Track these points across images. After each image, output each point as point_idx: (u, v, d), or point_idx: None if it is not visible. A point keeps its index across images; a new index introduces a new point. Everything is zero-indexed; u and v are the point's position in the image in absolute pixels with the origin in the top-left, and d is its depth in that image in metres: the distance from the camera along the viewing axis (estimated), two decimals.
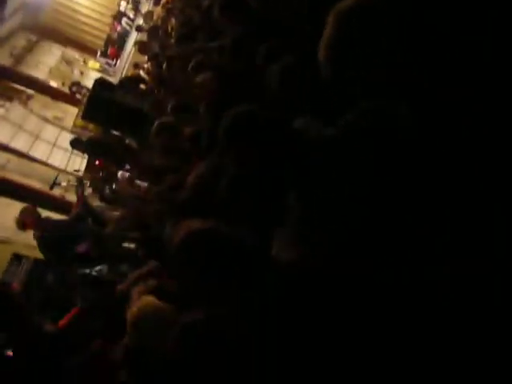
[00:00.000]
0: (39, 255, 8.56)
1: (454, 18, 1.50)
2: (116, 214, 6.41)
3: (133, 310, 2.51)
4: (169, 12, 10.03)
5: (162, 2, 12.43)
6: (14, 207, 10.45)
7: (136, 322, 2.45)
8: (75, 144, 7.43)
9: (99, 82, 7.62)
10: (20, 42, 20.58)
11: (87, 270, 5.39)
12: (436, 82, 1.53)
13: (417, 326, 1.48)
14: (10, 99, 15.71)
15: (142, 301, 2.59)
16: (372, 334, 1.55)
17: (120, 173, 7.34)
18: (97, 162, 8.95)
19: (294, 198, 1.84)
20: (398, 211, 1.55)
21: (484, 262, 1.43)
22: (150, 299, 2.57)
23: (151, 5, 14.52)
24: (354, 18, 1.50)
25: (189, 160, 3.57)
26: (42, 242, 5.80)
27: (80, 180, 7.44)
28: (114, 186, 7.62)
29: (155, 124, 4.21)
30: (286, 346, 1.70)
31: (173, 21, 9.04)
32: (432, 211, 1.52)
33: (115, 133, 8.01)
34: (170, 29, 8.88)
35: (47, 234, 5.68)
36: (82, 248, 5.49)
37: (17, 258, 8.50)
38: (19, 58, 19.55)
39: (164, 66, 6.27)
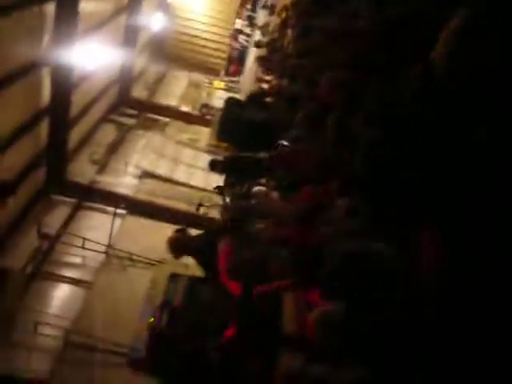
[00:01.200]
0: (195, 273, 9.13)
1: None
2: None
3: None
4: (285, 23, 10.18)
5: (276, 11, 12.62)
6: (165, 230, 11.27)
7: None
8: (213, 166, 7.78)
9: (228, 102, 7.97)
10: (151, 75, 22.11)
11: None
12: None
13: None
14: (149, 129, 16.95)
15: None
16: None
17: (256, 188, 7.56)
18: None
19: None
20: None
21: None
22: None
23: (266, 16, 14.82)
24: None
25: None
26: (198, 258, 6.04)
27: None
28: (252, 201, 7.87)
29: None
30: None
31: (289, 32, 9.16)
32: None
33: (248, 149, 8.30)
34: (287, 40, 9.00)
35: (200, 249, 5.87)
36: None
37: (174, 277, 9.02)
38: (152, 90, 21.02)
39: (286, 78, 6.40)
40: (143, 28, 18.24)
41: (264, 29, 14.66)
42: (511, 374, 1.54)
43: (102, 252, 10.87)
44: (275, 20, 12.69)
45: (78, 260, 10.78)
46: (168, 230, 10.59)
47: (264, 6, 15.37)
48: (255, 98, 8.23)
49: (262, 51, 11.71)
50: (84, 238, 10.67)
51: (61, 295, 10.07)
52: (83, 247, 10.69)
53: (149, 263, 10.64)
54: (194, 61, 23.88)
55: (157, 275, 9.76)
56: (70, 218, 11.83)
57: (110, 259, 10.87)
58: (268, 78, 10.15)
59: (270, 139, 6.47)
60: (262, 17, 16.71)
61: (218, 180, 13.36)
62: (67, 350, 9.00)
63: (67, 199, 12.24)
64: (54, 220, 11.31)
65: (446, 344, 1.73)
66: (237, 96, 16.22)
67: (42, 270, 10.27)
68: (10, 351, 8.67)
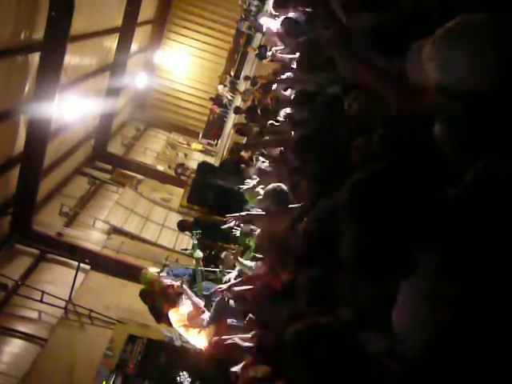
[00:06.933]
0: (153, 335, 8.88)
1: None
2: None
3: None
4: (265, 90, 10.38)
5: (259, 80, 12.94)
6: (129, 288, 11.02)
7: None
8: (182, 227, 7.76)
9: (201, 167, 8.04)
10: (130, 131, 22.29)
11: None
12: None
13: None
14: (122, 185, 16.87)
15: None
16: None
17: (225, 252, 7.53)
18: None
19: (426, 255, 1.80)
20: None
21: None
22: None
23: (248, 84, 15.18)
24: None
25: None
26: None
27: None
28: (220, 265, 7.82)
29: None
30: None
31: (269, 100, 9.33)
32: None
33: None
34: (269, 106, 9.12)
35: None
36: None
37: (132, 338, 8.78)
38: (129, 146, 21.14)
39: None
40: (127, 85, 18.52)
41: (245, 95, 14.99)
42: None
43: (61, 307, 10.51)
44: (257, 88, 13.00)
45: (34, 314, 10.38)
46: (131, 288, 10.43)
47: (246, 77, 15.78)
48: (229, 163, 8.31)
49: (241, 118, 11.92)
50: (43, 292, 10.32)
51: (11, 351, 9.61)
52: (41, 301, 10.32)
53: (109, 322, 10.31)
54: (173, 121, 24.24)
55: (116, 335, 9.46)
56: (31, 269, 11.50)
57: (69, 315, 10.49)
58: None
59: (240, 205, 6.51)
60: (243, 84, 17.12)
61: (186, 241, 13.31)
62: None
63: (31, 249, 11.96)
64: (14, 270, 10.97)
65: None
66: (211, 160, 16.39)
67: None
68: None
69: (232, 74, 21.11)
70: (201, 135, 23.49)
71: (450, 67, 1.73)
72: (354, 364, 1.80)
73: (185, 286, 6.18)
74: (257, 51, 11.67)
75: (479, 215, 1.61)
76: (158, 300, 6.14)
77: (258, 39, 15.37)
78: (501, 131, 1.73)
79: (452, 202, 1.67)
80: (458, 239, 1.65)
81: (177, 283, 6.18)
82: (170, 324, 6.20)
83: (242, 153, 9.11)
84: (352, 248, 1.99)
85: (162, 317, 6.18)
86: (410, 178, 1.75)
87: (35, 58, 10.05)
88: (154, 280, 6.31)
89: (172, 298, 6.06)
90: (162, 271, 6.80)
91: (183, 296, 6.08)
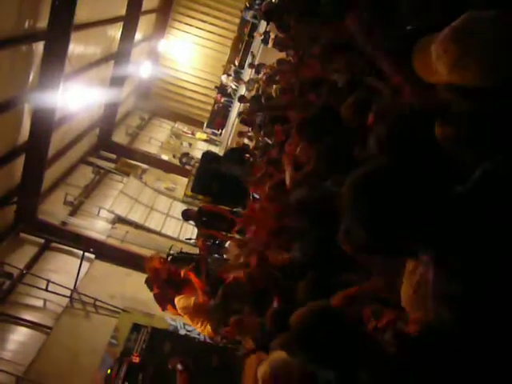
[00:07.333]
0: (157, 324, 8.93)
1: None
2: None
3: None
4: (269, 79, 10.32)
5: (263, 69, 12.88)
6: (133, 277, 11.06)
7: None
8: (186, 216, 7.76)
9: (206, 156, 8.02)
10: (134, 121, 22.26)
11: None
12: None
13: None
14: (127, 174, 16.87)
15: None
16: None
17: (229, 242, 7.51)
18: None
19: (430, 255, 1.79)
20: None
21: None
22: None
23: (253, 73, 15.11)
24: None
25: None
26: None
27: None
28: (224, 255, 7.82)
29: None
30: None
31: (274, 88, 9.27)
32: None
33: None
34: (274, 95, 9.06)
35: None
36: None
37: (136, 327, 8.82)
38: (134, 136, 21.12)
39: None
40: (131, 74, 18.48)
41: (249, 84, 14.93)
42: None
43: (66, 296, 10.55)
44: (261, 78, 12.93)
45: (39, 303, 10.42)
46: (136, 277, 10.48)
47: (251, 65, 15.71)
48: (234, 152, 8.29)
49: (245, 106, 11.87)
50: (48, 281, 10.36)
51: (17, 339, 9.66)
52: (47, 290, 10.37)
53: (114, 311, 10.35)
54: (178, 110, 24.18)
55: (121, 324, 9.52)
56: (36, 258, 11.54)
57: (74, 304, 10.54)
58: (249, 132, 10.23)
59: (244, 194, 6.50)
60: (248, 73, 17.05)
61: (190, 231, 13.33)
62: None
63: (35, 238, 11.99)
64: (19, 259, 11.01)
65: None
66: (216, 150, 16.35)
67: (0, 310, 9.89)
68: None
69: (236, 63, 21.00)
70: (205, 124, 23.45)
71: (459, 65, 1.71)
72: (354, 343, 1.83)
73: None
74: (262, 36, 11.69)
75: (490, 212, 1.58)
76: (164, 287, 6.16)
77: (263, 26, 15.27)
78: (509, 129, 1.71)
79: (461, 199, 1.65)
80: (465, 236, 1.62)
81: (183, 269, 6.19)
82: (174, 312, 6.21)
83: (246, 141, 9.11)
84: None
85: (167, 304, 6.21)
86: (413, 176, 1.73)
87: (39, 47, 10.01)
88: (161, 266, 6.33)
89: (178, 284, 6.08)
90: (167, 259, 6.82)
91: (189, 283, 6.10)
